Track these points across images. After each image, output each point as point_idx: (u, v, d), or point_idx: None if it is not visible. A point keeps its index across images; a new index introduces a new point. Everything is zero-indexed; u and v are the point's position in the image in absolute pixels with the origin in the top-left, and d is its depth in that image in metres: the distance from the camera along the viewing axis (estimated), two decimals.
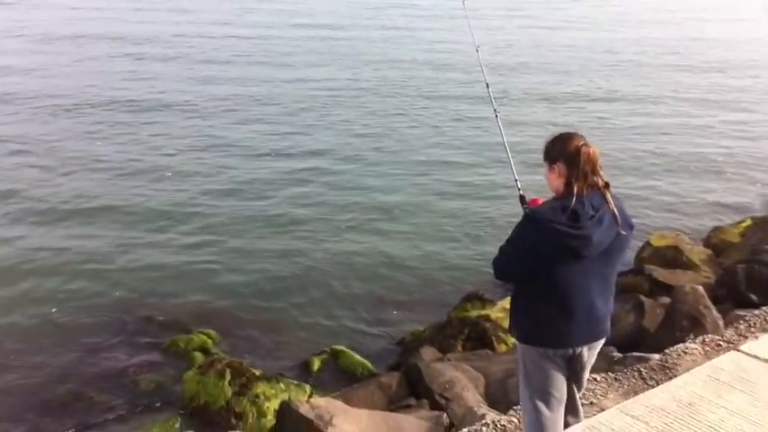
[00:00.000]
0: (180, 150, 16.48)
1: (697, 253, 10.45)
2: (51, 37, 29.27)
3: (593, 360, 4.15)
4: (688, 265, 10.10)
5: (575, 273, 3.77)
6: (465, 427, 5.64)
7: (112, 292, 10.56)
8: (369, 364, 8.86)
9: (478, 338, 8.83)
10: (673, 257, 10.27)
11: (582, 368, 4.12)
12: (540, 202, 4.00)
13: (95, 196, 13.76)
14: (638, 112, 20.77)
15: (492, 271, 4.01)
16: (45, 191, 13.93)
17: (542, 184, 3.95)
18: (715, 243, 11.22)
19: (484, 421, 5.59)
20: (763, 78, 25.46)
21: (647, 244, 10.69)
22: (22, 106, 19.50)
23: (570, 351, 3.98)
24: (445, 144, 17.30)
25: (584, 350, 4.01)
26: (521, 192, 4.63)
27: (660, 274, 9.69)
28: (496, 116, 5.25)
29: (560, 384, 4.09)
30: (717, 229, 11.73)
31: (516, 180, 4.81)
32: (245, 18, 35.71)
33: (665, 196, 14.41)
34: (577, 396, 4.28)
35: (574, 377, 4.15)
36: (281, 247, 12.04)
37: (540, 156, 3.93)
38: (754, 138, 18.35)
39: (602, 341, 4.07)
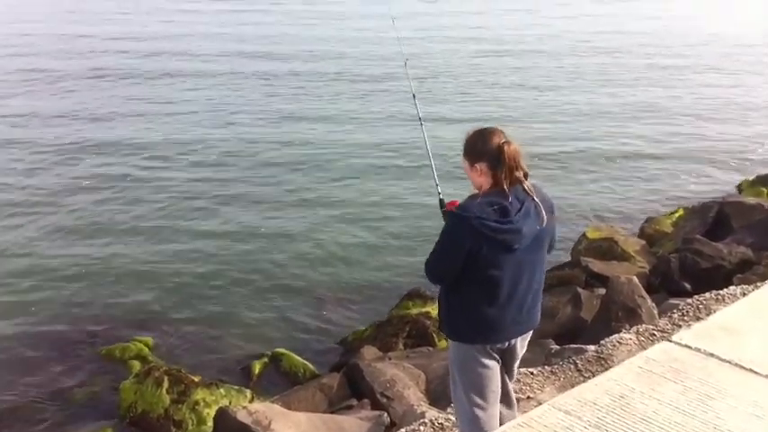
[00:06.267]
0: (101, 154, 16.15)
1: (631, 244, 10.65)
2: None
3: (524, 350, 4.20)
4: (623, 256, 10.28)
5: (507, 266, 3.82)
6: (404, 427, 5.63)
7: (43, 301, 10.29)
8: (311, 366, 8.81)
9: (419, 336, 8.85)
10: (608, 249, 10.45)
11: (514, 359, 4.17)
12: (458, 203, 4.02)
13: (26, 206, 13.45)
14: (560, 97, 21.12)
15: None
16: None
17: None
18: (649, 233, 11.46)
19: (422, 420, 5.58)
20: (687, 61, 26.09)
21: (583, 236, 10.86)
22: None
23: (506, 344, 4.00)
24: (380, 146, 17.08)
25: (518, 341, 4.05)
26: (441, 196, 4.70)
27: (596, 265, 9.83)
28: (421, 124, 5.40)
29: (497, 378, 4.12)
30: (650, 220, 11.99)
31: (437, 185, 4.89)
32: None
33: (598, 189, 14.61)
34: (510, 386, 4.31)
35: (506, 368, 4.19)
36: (216, 252, 11.86)
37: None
38: (681, 128, 18.75)
39: (532, 330, 4.15)
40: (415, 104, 5.82)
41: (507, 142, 3.82)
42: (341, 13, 36.96)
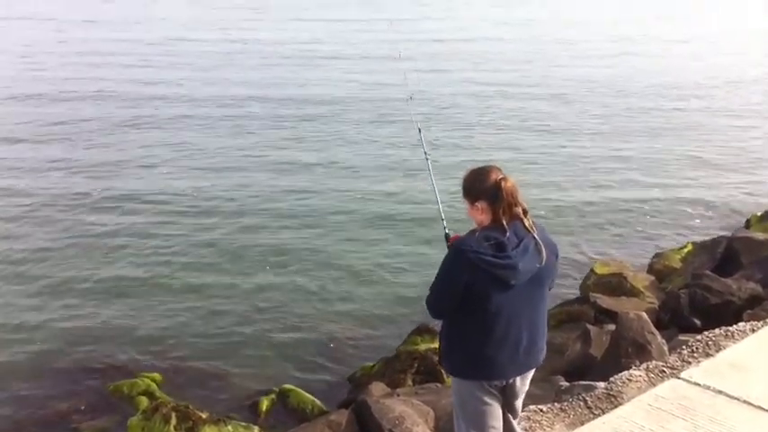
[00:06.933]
0: (101, 202, 15.95)
1: (640, 279, 10.60)
2: None
3: (526, 388, 4.20)
4: (632, 292, 10.24)
5: (504, 302, 3.83)
6: None
7: (50, 339, 10.29)
8: (319, 403, 8.76)
9: (428, 372, 8.80)
10: (617, 284, 10.40)
11: (515, 397, 4.16)
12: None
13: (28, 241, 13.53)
14: (567, 140, 21.14)
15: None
16: None
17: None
18: (658, 269, 11.41)
19: None
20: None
21: (591, 272, 10.82)
22: None
23: (504, 382, 4.00)
24: (385, 182, 17.09)
25: (518, 380, 4.05)
26: (446, 230, 4.76)
27: (605, 301, 9.79)
28: (427, 159, 5.58)
29: (497, 414, 4.12)
30: (659, 255, 11.93)
31: (443, 220, 4.99)
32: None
33: (605, 225, 14.55)
34: (514, 423, 4.29)
35: (507, 406, 4.18)
36: (225, 289, 11.85)
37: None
38: (687, 163, 18.78)
39: (534, 369, 4.12)
40: (421, 138, 5.93)
41: (504, 178, 3.89)
42: (343, 52, 37.06)
